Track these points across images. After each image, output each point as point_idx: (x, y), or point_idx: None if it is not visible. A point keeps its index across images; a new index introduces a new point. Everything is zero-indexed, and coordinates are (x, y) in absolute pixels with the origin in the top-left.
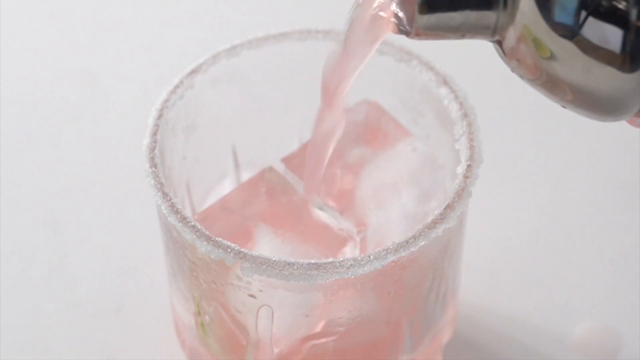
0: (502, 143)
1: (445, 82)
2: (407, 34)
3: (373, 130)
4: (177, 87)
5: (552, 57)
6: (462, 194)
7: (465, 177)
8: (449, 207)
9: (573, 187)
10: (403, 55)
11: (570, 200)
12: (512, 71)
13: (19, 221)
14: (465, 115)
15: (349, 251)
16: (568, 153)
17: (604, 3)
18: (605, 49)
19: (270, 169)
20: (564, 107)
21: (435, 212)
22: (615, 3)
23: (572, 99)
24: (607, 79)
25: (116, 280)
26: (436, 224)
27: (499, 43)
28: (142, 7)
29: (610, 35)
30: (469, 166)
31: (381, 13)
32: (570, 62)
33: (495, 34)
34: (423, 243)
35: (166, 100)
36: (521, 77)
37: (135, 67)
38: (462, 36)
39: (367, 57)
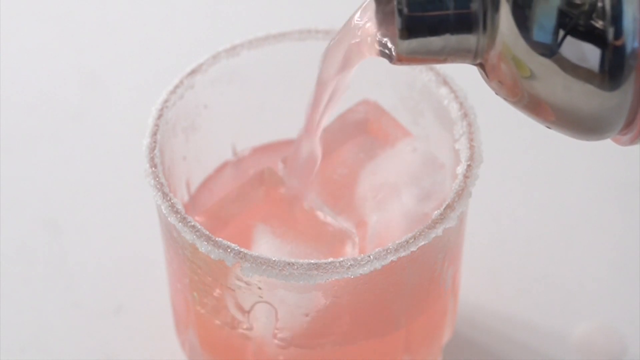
0: (502, 143)
1: (445, 82)
2: (390, 59)
3: (373, 130)
4: (177, 87)
5: (532, 76)
6: (462, 194)
7: (465, 177)
8: (449, 207)
9: (573, 187)
10: None
11: (570, 200)
12: (496, 94)
13: (19, 221)
14: (465, 115)
15: (348, 250)
16: (568, 153)
17: (581, 22)
18: (584, 67)
19: (269, 170)
20: (548, 127)
21: (435, 212)
22: (592, 22)
23: (555, 119)
24: (587, 97)
25: (116, 280)
26: (436, 224)
27: (482, 66)
28: (142, 7)
29: (589, 54)
30: (469, 166)
31: (364, 39)
32: (551, 81)
33: (477, 57)
34: (423, 243)
35: (166, 100)
36: (505, 99)
37: (135, 67)
38: (445, 60)
39: (347, 81)
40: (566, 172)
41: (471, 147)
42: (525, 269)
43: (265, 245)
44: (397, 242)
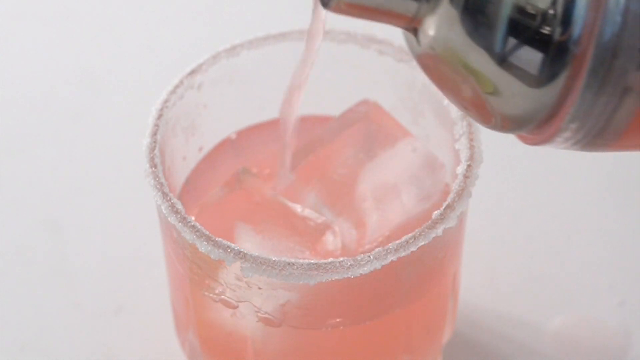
0: (502, 143)
1: None
2: (325, 5)
3: (373, 130)
4: (177, 87)
5: (459, 52)
6: (462, 194)
7: (465, 177)
8: (449, 207)
9: (573, 186)
10: (403, 55)
11: (570, 200)
12: (418, 61)
13: (19, 221)
14: (465, 115)
15: (329, 240)
16: (568, 153)
17: (522, 14)
18: (519, 57)
19: (244, 170)
20: (463, 109)
21: (435, 212)
22: (525, 17)
23: (472, 99)
24: (515, 86)
25: (116, 280)
26: (436, 224)
27: (414, 32)
28: (142, 7)
29: (527, 50)
30: (469, 166)
31: None
32: (482, 60)
33: (412, 22)
34: (423, 243)
35: (166, 100)
36: (424, 68)
37: (135, 67)
38: (380, 19)
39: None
40: (566, 172)
41: (471, 147)
42: (525, 268)
43: (247, 244)
44: (397, 242)
